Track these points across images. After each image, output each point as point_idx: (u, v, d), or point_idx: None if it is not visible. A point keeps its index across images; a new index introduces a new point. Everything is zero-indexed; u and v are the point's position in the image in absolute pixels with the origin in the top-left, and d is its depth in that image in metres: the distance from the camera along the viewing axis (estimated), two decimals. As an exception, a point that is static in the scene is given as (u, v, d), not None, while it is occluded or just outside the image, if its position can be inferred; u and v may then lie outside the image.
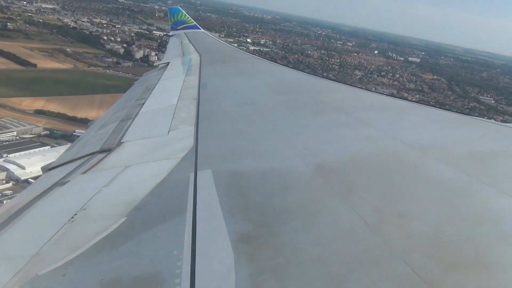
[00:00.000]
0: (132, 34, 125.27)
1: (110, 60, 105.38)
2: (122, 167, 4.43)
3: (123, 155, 4.95)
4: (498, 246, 2.52)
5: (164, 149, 4.95)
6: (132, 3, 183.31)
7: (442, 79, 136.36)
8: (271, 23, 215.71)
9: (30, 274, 2.56)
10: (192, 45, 17.36)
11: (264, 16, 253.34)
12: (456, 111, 6.71)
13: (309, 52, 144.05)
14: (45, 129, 63.44)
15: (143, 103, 7.80)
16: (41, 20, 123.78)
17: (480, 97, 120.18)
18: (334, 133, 5.25)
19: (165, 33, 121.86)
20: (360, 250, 2.48)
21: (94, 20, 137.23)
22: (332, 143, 4.85)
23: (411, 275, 2.19)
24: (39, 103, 73.04)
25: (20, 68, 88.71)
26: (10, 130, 59.61)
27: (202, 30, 23.04)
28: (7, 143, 56.22)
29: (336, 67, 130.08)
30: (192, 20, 23.12)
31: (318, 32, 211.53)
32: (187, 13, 23.28)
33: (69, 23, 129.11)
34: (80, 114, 69.12)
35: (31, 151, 53.38)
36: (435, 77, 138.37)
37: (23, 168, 47.95)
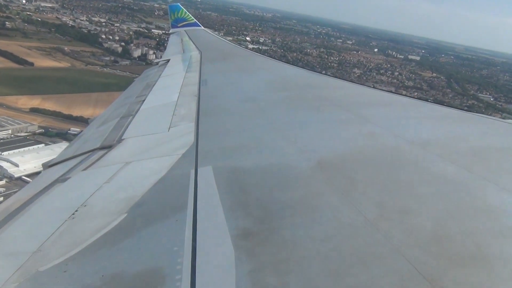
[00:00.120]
0: (131, 33, 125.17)
1: (107, 58, 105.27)
2: (123, 163, 4.45)
3: (123, 152, 4.98)
4: (498, 241, 2.51)
5: (164, 145, 4.97)
6: (131, 1, 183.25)
7: (441, 77, 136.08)
8: (271, 21, 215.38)
9: (31, 270, 2.57)
10: (193, 42, 17.40)
11: (264, 14, 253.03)
12: (456, 108, 6.70)
13: (308, 51, 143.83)
14: (40, 127, 63.40)
15: (144, 100, 7.85)
16: (39, 19, 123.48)
17: (479, 94, 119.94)
18: (334, 129, 5.26)
19: (164, 31, 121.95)
20: (360, 245, 2.47)
21: (93, 18, 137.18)
22: (333, 139, 4.85)
23: (411, 271, 2.18)
24: (35, 102, 73.00)
25: (17, 67, 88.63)
26: (5, 128, 59.65)
27: (203, 27, 23.07)
28: (1, 141, 56.29)
29: (335, 65, 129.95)
30: (193, 18, 23.16)
31: (318, 30, 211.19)
32: (187, 11, 23.28)
33: (67, 21, 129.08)
34: (76, 112, 69.22)
35: (25, 149, 53.44)
36: (434, 75, 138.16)
37: (17, 165, 48.07)
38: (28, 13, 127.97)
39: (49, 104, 72.08)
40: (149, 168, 4.24)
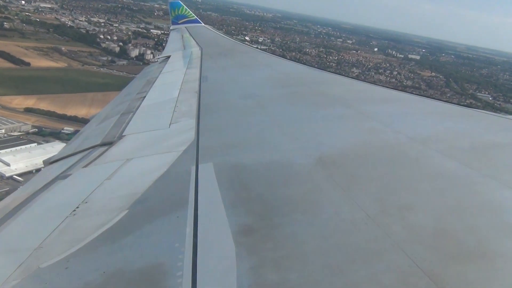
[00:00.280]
0: (129, 33, 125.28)
1: (105, 58, 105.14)
2: (124, 160, 4.46)
3: (124, 149, 4.99)
4: (499, 238, 2.52)
5: (165, 142, 4.98)
6: (131, 1, 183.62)
7: (440, 76, 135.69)
8: (272, 21, 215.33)
9: (33, 267, 2.59)
10: (193, 38, 17.39)
11: (265, 14, 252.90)
12: (456, 104, 6.71)
13: (307, 50, 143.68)
14: (33, 126, 63.43)
15: (144, 97, 7.86)
16: (38, 19, 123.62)
17: (478, 94, 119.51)
18: (335, 126, 5.26)
19: (162, 31, 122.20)
20: (361, 242, 2.48)
21: (92, 19, 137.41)
22: (334, 135, 4.86)
23: (412, 267, 2.19)
24: (30, 101, 72.94)
25: (13, 67, 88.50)
26: (-2, 127, 60.02)
27: (203, 24, 23.04)
28: (-6, 140, 56.61)
29: (334, 64, 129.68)
30: (193, 14, 23.15)
31: (319, 30, 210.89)
32: (187, 8, 23.30)
33: (66, 22, 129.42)
34: (71, 112, 69.34)
35: (17, 148, 53.50)
36: (433, 74, 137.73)
37: (8, 165, 48.19)
38: (27, 13, 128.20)
39: (44, 104, 72.13)
40: (150, 165, 4.26)
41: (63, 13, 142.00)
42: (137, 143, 5.14)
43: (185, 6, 22.80)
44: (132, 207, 3.25)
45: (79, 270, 2.52)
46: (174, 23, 22.28)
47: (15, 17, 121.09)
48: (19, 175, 46.48)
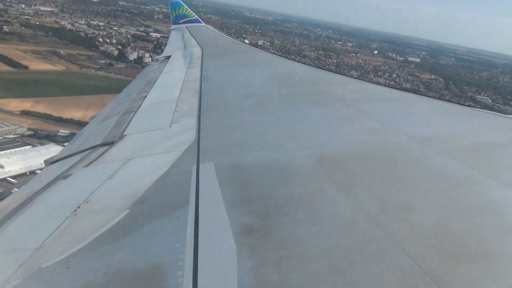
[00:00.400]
0: (129, 36, 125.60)
1: (103, 62, 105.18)
2: (125, 160, 4.47)
3: (125, 148, 5.00)
4: (500, 238, 2.51)
5: (166, 142, 4.99)
6: (132, 5, 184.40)
7: (440, 79, 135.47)
8: (272, 24, 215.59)
9: (34, 267, 2.59)
10: (194, 38, 17.41)
11: (265, 17, 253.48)
12: (457, 103, 6.69)
13: (307, 53, 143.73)
14: (29, 129, 63.46)
15: (145, 96, 7.86)
16: (37, 23, 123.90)
17: (477, 96, 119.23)
18: (336, 125, 5.26)
19: (162, 34, 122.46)
20: (362, 241, 2.48)
21: (92, 22, 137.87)
22: (335, 135, 4.86)
23: (413, 266, 2.19)
24: (27, 104, 72.86)
25: (11, 70, 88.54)
26: (-7, 130, 60.14)
27: (204, 24, 23.12)
28: (-12, 143, 56.69)
29: (333, 67, 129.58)
30: (194, 14, 23.30)
31: (319, 33, 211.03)
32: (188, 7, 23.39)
33: (66, 25, 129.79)
34: (67, 114, 69.41)
35: (12, 150, 53.57)
36: (432, 76, 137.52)
37: (2, 167, 48.26)
38: (26, 17, 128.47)
39: (40, 107, 72.18)
40: (150, 165, 4.26)
41: (63, 17, 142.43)
42: (138, 143, 5.15)
43: (185, 6, 22.94)
44: (133, 207, 3.25)
45: (80, 270, 2.52)
46: (174, 22, 22.38)
47: (15, 20, 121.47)
48: (13, 177, 46.53)
